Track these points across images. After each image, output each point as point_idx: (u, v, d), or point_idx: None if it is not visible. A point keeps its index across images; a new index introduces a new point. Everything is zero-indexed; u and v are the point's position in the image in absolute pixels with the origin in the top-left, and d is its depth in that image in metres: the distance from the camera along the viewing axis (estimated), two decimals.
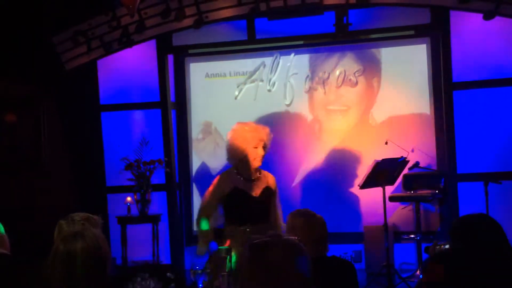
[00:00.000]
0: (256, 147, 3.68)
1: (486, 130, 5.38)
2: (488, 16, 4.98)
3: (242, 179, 3.71)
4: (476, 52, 5.43)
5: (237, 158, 3.71)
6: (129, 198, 5.66)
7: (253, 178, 3.75)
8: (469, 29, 5.41)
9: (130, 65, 6.14)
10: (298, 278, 1.40)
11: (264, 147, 3.73)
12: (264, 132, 3.75)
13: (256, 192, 3.74)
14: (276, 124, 6.19)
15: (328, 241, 2.89)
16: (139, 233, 5.85)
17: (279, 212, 3.84)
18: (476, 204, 5.12)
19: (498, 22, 5.12)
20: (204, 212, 3.74)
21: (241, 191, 3.69)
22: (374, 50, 6.04)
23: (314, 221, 2.90)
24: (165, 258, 5.89)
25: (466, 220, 2.28)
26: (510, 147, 5.32)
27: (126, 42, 5.71)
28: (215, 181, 3.77)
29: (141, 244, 5.85)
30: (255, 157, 3.69)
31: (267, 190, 3.78)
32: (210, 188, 3.76)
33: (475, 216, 2.32)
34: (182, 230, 6.18)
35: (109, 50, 5.79)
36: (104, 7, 5.71)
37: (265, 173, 3.85)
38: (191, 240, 6.21)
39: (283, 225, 3.63)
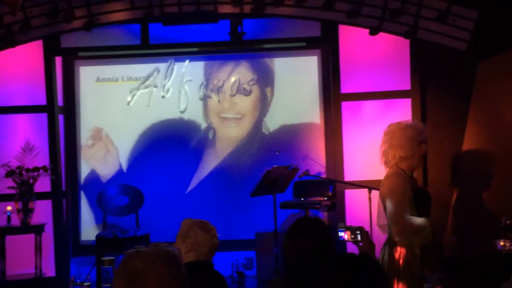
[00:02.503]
0: (420, 143, 3.47)
1: (371, 139, 5.65)
2: (373, 31, 5.25)
3: (410, 178, 3.43)
4: (363, 65, 5.71)
5: (402, 157, 3.42)
6: (9, 207, 5.32)
7: (413, 175, 3.52)
8: (357, 43, 5.68)
9: (14, 66, 5.78)
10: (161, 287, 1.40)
11: (425, 143, 3.53)
12: (424, 128, 3.56)
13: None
14: (170, 131, 6.14)
15: (222, 248, 2.91)
16: (21, 245, 5.50)
17: None
18: (361, 210, 5.37)
19: (383, 37, 5.42)
20: (413, 219, 3.28)
21: (418, 190, 3.42)
22: (267, 60, 6.16)
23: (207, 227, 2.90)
24: (49, 271, 5.58)
25: (295, 223, 2.32)
26: None
27: (9, 41, 5.36)
28: (397, 185, 3.34)
29: (22, 257, 5.50)
30: (422, 153, 3.48)
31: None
32: (397, 194, 3.30)
33: (302, 220, 2.35)
34: (68, 240, 5.89)
35: None
36: None
37: None
38: (77, 251, 5.95)
39: None
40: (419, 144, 3.44)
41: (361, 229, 2.61)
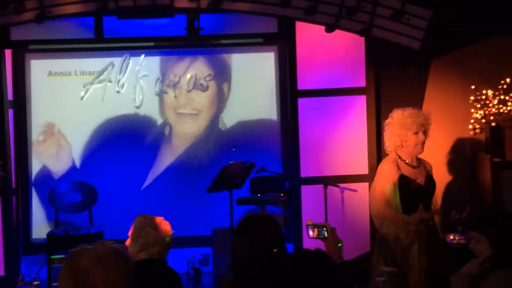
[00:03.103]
0: (416, 133, 3.56)
1: (326, 136, 5.72)
2: (329, 29, 5.29)
3: (406, 166, 3.58)
4: (320, 62, 5.75)
5: (398, 145, 3.58)
6: None
7: (415, 164, 3.62)
8: (314, 40, 5.72)
9: None
10: (108, 286, 1.37)
11: (425, 133, 3.61)
12: (424, 117, 3.62)
13: (421, 179, 3.62)
14: (125, 126, 6.03)
15: (178, 245, 2.88)
16: None
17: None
18: (317, 206, 5.42)
19: (339, 35, 5.46)
20: (388, 204, 3.51)
21: (408, 178, 3.55)
22: (224, 56, 6.13)
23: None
24: None
25: (244, 219, 2.30)
26: (346, 152, 5.71)
27: None
28: (382, 170, 3.58)
29: None
30: (417, 143, 3.57)
31: (430, 177, 3.67)
32: (380, 178, 3.55)
33: (250, 216, 2.33)
34: (18, 238, 5.72)
35: None
36: None
37: (423, 159, 3.73)
38: (28, 249, 5.79)
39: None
40: (414, 133, 3.57)
41: (326, 225, 2.64)
